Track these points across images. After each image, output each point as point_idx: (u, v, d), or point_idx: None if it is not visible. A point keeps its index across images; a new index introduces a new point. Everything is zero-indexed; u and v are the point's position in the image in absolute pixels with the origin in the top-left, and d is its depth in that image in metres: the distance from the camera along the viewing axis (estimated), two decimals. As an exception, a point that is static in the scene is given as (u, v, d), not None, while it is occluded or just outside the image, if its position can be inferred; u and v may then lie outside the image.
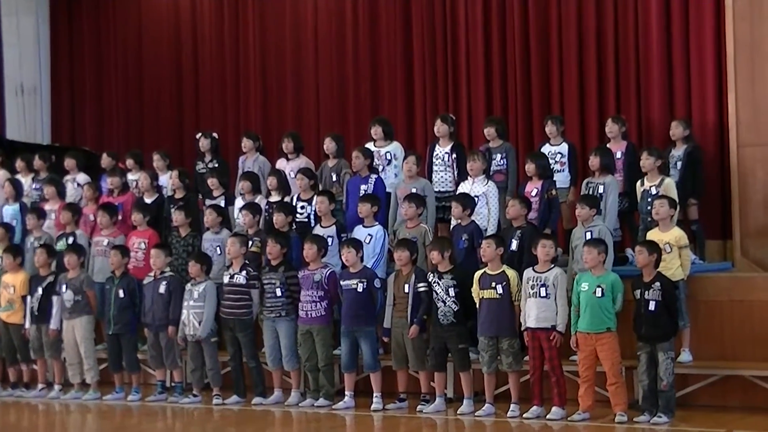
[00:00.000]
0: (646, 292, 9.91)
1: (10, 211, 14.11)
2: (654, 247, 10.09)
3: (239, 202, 12.68)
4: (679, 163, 12.10)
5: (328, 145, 12.90)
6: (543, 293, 10.24)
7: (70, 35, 18.61)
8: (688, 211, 12.03)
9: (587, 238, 10.53)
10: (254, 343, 11.64)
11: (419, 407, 10.85)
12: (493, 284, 10.45)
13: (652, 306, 9.87)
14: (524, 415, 10.28)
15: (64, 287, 12.38)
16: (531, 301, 10.29)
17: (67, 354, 12.52)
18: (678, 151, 12.19)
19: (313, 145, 14.42)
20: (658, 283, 9.91)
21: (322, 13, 16.33)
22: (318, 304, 11.25)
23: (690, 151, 12.15)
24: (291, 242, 11.71)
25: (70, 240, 12.99)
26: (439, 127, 12.44)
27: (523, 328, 10.35)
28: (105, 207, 13.13)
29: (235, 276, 11.62)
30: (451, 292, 10.62)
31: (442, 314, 10.66)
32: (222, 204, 12.77)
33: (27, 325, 12.77)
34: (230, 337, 11.71)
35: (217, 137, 13.96)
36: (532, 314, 10.27)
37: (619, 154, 11.98)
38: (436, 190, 12.13)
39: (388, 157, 12.58)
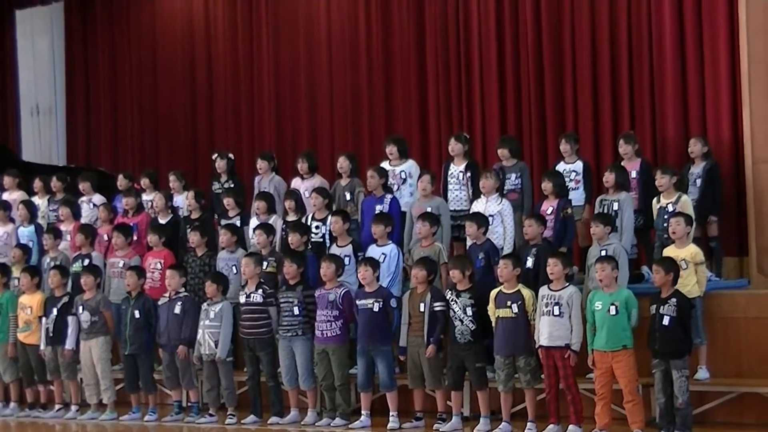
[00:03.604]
0: (662, 307, 9.94)
1: (26, 232, 14.22)
2: (671, 265, 10.11)
3: (254, 222, 12.76)
4: (698, 180, 12.11)
5: (342, 163, 13.00)
6: (556, 312, 10.27)
7: (85, 56, 18.75)
8: (708, 228, 12.06)
9: (600, 256, 10.58)
10: (274, 362, 11.69)
11: (436, 426, 10.87)
12: (509, 303, 10.49)
13: (666, 321, 9.88)
14: (541, 434, 10.35)
15: (80, 308, 12.45)
16: (544, 319, 10.32)
17: (84, 374, 12.59)
18: (697, 168, 12.21)
19: (328, 165, 14.49)
20: (674, 299, 9.92)
21: (335, 32, 16.43)
22: (333, 323, 11.30)
23: (709, 168, 12.16)
24: (307, 262, 11.79)
25: (86, 261, 13.05)
26: (454, 146, 12.51)
27: (536, 346, 10.40)
28: (120, 228, 13.21)
29: (252, 295, 11.68)
30: (469, 311, 10.67)
31: (459, 333, 10.71)
32: (238, 224, 12.86)
33: (42, 346, 12.84)
34: (250, 356, 11.75)
35: (233, 158, 14.06)
36: (545, 332, 10.30)
37: (633, 173, 12.00)
38: (452, 208, 12.19)
39: (403, 176, 12.65)
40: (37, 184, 14.82)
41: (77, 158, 18.32)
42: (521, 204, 12.14)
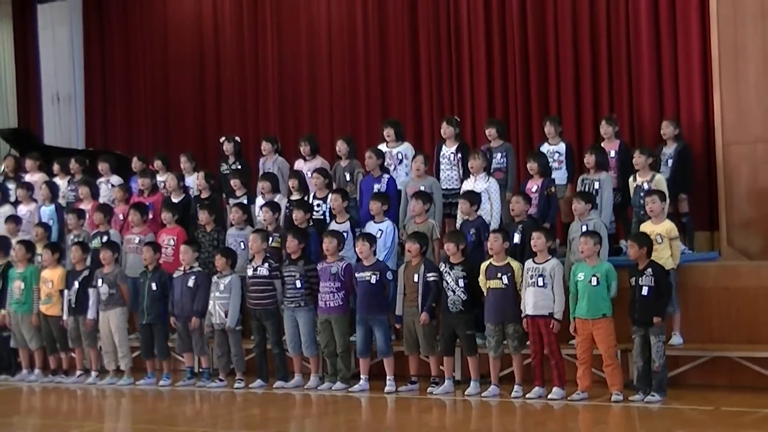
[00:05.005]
0: (640, 279, 9.99)
1: (47, 211, 14.22)
2: (644, 240, 10.17)
3: (260, 201, 12.76)
4: (670, 161, 12.14)
5: (340, 146, 12.99)
6: (540, 283, 10.31)
7: (102, 47, 18.71)
8: (679, 205, 12.09)
9: (583, 231, 10.59)
10: (279, 331, 11.72)
11: (429, 389, 10.93)
12: (499, 275, 10.51)
13: (645, 291, 9.94)
14: (527, 396, 10.35)
15: (100, 281, 12.46)
16: (530, 290, 10.36)
17: (103, 343, 12.61)
18: (669, 149, 12.23)
19: (328, 147, 14.48)
20: (650, 270, 9.98)
21: (334, 24, 16.43)
22: (335, 294, 11.32)
23: (680, 150, 12.19)
24: (309, 237, 11.80)
25: (105, 238, 13.07)
26: (445, 129, 12.51)
27: (522, 316, 10.42)
28: (136, 206, 13.21)
29: (258, 268, 11.71)
30: (461, 282, 10.68)
31: (451, 303, 10.73)
32: (245, 203, 12.86)
33: (65, 316, 12.85)
34: (256, 326, 11.78)
35: (239, 141, 14.04)
36: (530, 302, 10.34)
37: (612, 153, 12.03)
38: (444, 187, 12.19)
39: (400, 157, 12.65)
40: (56, 166, 14.80)
41: (95, 142, 18.30)
42: (506, 182, 12.14)
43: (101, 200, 13.97)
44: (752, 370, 10.39)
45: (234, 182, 13.15)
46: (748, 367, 10.41)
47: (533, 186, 11.60)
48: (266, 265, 11.70)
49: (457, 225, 11.63)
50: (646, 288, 9.94)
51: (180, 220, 13.00)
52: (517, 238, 10.97)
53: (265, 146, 13.70)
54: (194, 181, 13.53)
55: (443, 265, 10.86)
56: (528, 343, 10.51)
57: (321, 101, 16.50)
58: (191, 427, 10.19)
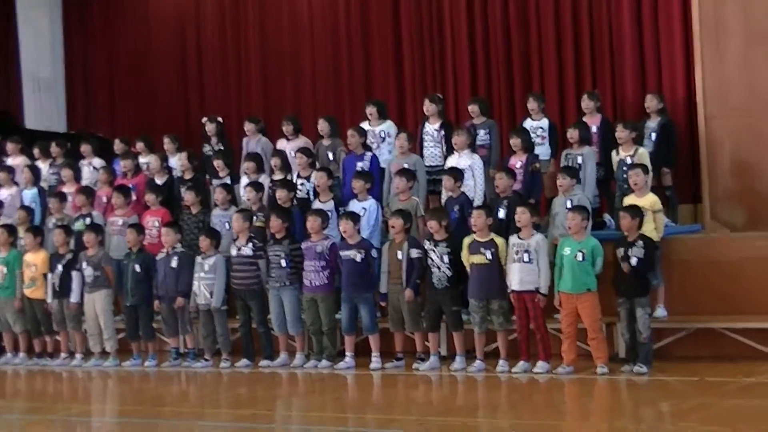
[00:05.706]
0: (629, 250, 10.00)
1: (29, 195, 14.17)
2: (636, 212, 10.19)
3: (244, 181, 12.74)
4: (653, 134, 12.15)
5: (322, 126, 12.99)
6: (526, 258, 10.33)
7: (83, 29, 18.64)
8: (662, 179, 12.12)
9: (571, 205, 10.60)
10: (264, 310, 11.72)
11: (415, 365, 10.95)
12: (482, 250, 10.52)
13: (633, 262, 9.96)
14: (512, 370, 10.38)
15: (84, 264, 12.44)
16: (515, 265, 10.38)
17: (88, 325, 12.58)
18: (653, 123, 12.24)
19: (312, 126, 14.45)
20: (641, 242, 10.01)
21: (316, 3, 16.40)
22: (321, 273, 11.32)
23: (664, 124, 12.21)
24: (293, 217, 11.79)
25: (88, 221, 13.03)
26: (428, 107, 12.50)
27: (508, 291, 10.44)
28: (119, 188, 13.18)
29: (242, 248, 11.70)
30: (446, 258, 10.70)
31: (436, 279, 10.75)
32: (228, 183, 12.82)
33: (49, 299, 12.81)
34: (241, 305, 11.78)
35: (222, 121, 14.01)
36: (516, 278, 10.37)
37: (594, 128, 12.05)
38: (427, 164, 12.20)
39: (383, 135, 12.64)
40: (36, 150, 14.73)
41: (77, 126, 18.24)
42: (490, 159, 12.14)
43: (84, 183, 13.92)
44: (735, 341, 10.44)
45: (217, 163, 13.14)
46: (731, 337, 10.47)
47: (517, 162, 11.61)
48: (250, 244, 11.69)
49: (442, 202, 11.64)
50: (635, 260, 9.96)
51: (164, 201, 12.97)
52: (502, 214, 10.99)
53: (248, 126, 13.67)
54: (177, 162, 13.50)
55: (427, 242, 10.87)
56: (513, 318, 10.53)
57: (304, 81, 16.48)
58: (178, 407, 10.17)
